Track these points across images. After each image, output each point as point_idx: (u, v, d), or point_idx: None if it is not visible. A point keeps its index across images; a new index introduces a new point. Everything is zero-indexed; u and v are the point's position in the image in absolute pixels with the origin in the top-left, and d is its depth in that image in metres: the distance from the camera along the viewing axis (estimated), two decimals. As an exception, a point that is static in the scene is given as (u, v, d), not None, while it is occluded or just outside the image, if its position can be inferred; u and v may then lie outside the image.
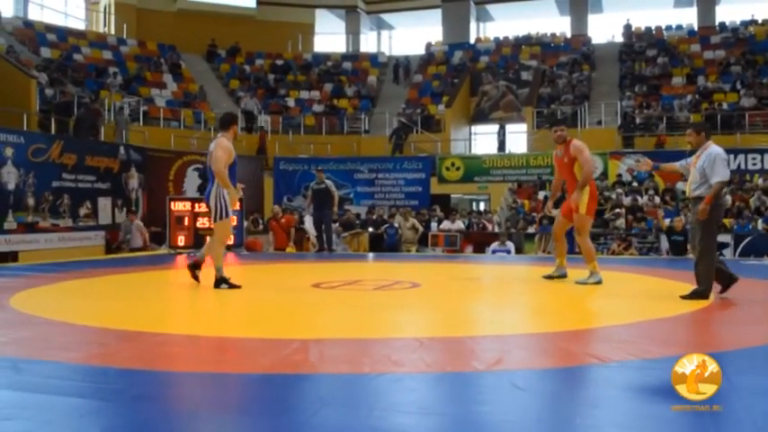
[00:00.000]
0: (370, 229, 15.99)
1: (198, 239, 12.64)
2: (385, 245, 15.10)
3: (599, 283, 7.39)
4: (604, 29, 31.51)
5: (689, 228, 6.45)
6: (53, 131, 17.37)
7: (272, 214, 15.31)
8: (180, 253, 12.35)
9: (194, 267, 7.30)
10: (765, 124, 20.82)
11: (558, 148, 7.82)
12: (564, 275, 7.78)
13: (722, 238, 14.06)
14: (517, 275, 9.67)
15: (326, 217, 13.30)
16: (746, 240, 13.76)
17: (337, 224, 15.27)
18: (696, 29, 28.84)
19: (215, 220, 7.17)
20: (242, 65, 28.63)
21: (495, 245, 14.49)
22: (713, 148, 6.16)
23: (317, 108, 25.89)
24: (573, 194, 7.56)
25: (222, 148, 6.98)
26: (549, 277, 7.79)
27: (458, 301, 6.63)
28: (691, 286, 6.19)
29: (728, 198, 15.38)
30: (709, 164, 6.05)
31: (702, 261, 6.05)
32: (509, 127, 26.87)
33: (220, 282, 6.96)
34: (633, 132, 21.41)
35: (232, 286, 6.91)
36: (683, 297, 6.12)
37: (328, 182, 13.45)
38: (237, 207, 7.17)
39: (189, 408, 3.06)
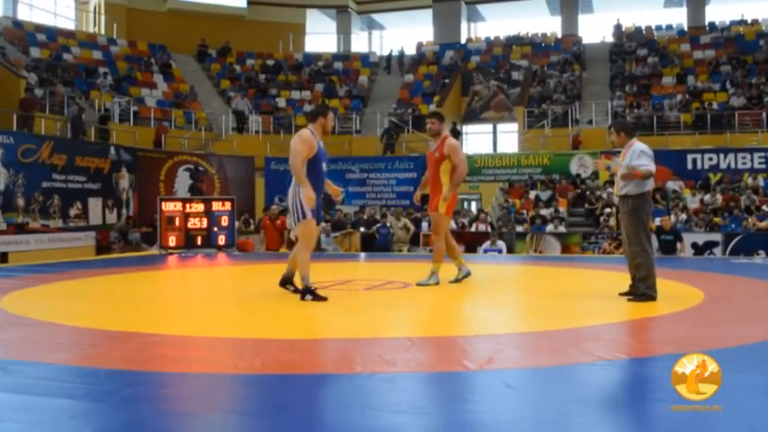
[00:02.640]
0: (362, 229, 15.99)
1: (189, 240, 12.63)
2: (376, 245, 15.10)
3: (437, 284, 7.27)
4: (595, 29, 31.66)
5: (622, 230, 6.42)
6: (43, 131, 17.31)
7: (267, 213, 15.24)
8: (171, 253, 12.32)
9: (285, 283, 6.63)
10: (755, 124, 20.94)
11: (433, 141, 7.57)
12: (468, 273, 7.55)
13: (712, 236, 14.16)
14: (508, 275, 9.70)
15: None
16: (736, 239, 13.85)
17: (328, 224, 15.25)
18: (686, 29, 28.99)
19: (295, 223, 6.31)
20: (233, 65, 28.58)
21: (486, 244, 14.52)
22: (637, 145, 6.20)
23: (308, 108, 25.85)
24: (443, 193, 7.27)
25: (301, 140, 6.13)
26: (457, 281, 7.49)
27: (449, 300, 6.64)
28: (679, 284, 6.22)
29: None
30: (634, 159, 6.08)
31: (641, 261, 6.08)
32: (500, 126, 27.00)
33: (306, 292, 6.19)
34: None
35: (318, 298, 6.12)
36: (622, 294, 6.22)
37: None
38: (312, 206, 6.13)
39: (181, 408, 3.05)
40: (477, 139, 27.51)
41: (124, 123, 21.49)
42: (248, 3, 30.75)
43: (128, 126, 21.23)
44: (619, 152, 6.58)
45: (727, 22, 28.26)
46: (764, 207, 15.73)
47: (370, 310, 5.93)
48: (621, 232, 6.44)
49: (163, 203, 12.81)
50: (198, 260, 11.44)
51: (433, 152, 7.40)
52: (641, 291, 6.05)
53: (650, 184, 6.21)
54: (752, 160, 18.65)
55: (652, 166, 6.07)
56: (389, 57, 30.23)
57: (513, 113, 25.04)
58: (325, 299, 6.12)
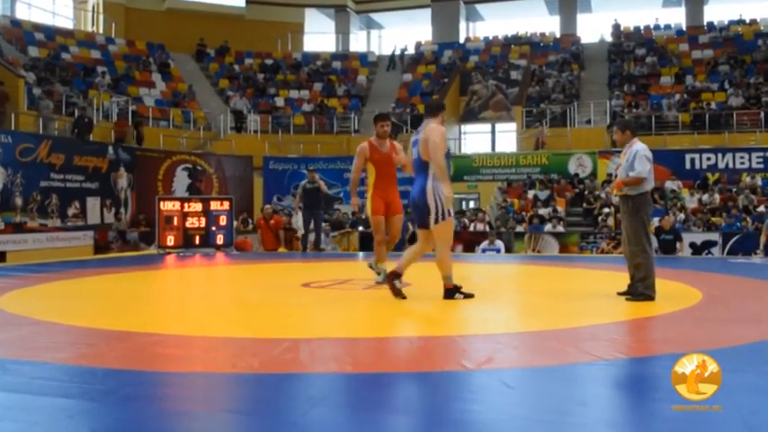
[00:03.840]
0: (360, 229, 15.98)
1: (187, 239, 12.61)
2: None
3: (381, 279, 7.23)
4: (593, 28, 31.69)
5: (622, 229, 6.41)
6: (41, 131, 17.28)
7: (261, 213, 15.23)
8: (169, 253, 12.30)
9: (394, 277, 6.18)
10: (753, 123, 20.97)
11: (381, 143, 7.63)
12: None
13: (710, 236, 14.17)
14: (506, 275, 9.70)
15: (318, 216, 13.29)
16: (734, 239, 13.85)
17: (327, 224, 15.24)
18: (684, 28, 29.02)
19: (435, 222, 5.92)
20: (231, 64, 28.57)
21: (484, 244, 14.50)
22: (637, 146, 6.19)
23: (307, 107, 25.87)
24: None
25: (440, 134, 5.86)
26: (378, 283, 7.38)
27: (448, 300, 6.62)
28: (677, 284, 6.22)
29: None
30: (636, 160, 6.07)
31: (640, 262, 6.07)
32: (499, 126, 27.03)
33: (452, 292, 6.09)
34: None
35: (466, 296, 6.08)
36: (621, 294, 6.20)
37: (320, 181, 13.41)
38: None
39: (179, 408, 3.04)
40: (475, 139, 27.55)
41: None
42: (247, 2, 30.74)
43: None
44: (617, 152, 6.58)
45: (726, 22, 28.28)
46: (762, 207, 15.74)
47: (368, 309, 5.92)
48: (621, 232, 6.44)
49: (161, 203, 12.79)
50: (196, 260, 11.42)
51: (389, 153, 7.58)
52: (640, 290, 6.05)
53: (651, 184, 6.19)
54: (750, 160, 18.69)
55: (644, 171, 6.02)
56: (392, 54, 30.22)
57: (511, 113, 25.05)
58: (472, 295, 6.09)
